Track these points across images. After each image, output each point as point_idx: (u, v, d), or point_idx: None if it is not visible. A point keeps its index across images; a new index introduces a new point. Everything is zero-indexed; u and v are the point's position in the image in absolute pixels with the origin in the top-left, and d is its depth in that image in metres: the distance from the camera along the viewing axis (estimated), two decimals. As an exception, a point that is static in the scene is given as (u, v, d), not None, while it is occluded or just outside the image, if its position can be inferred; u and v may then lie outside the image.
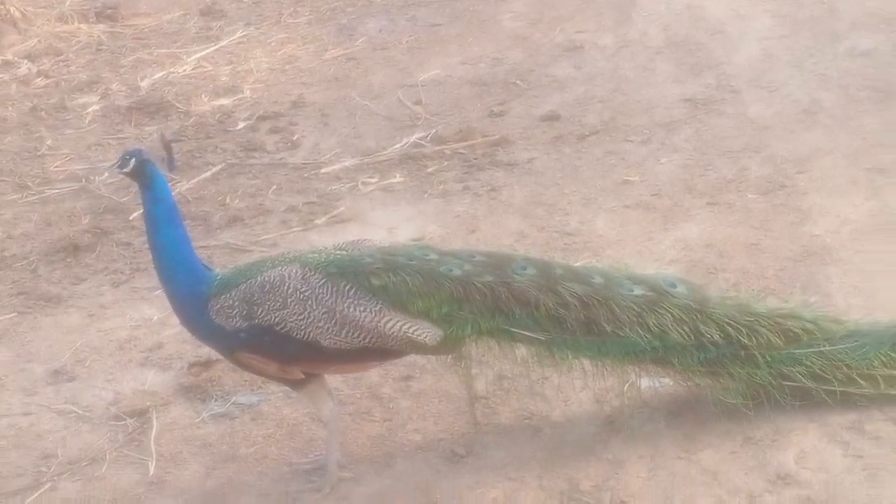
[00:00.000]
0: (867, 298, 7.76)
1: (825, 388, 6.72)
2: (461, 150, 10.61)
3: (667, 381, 6.93)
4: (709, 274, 8.25)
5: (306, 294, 6.47)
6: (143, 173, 6.61)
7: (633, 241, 8.86)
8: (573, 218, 9.27)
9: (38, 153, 11.45)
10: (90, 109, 12.30)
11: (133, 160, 6.62)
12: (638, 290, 6.74)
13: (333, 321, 6.48)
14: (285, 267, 6.56)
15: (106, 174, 10.70)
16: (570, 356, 6.70)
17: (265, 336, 6.53)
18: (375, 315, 6.49)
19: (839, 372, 6.73)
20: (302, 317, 6.47)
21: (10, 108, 12.46)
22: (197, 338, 7.03)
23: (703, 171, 9.73)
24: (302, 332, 6.49)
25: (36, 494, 7.00)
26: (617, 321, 6.64)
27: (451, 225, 9.42)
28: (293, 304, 6.47)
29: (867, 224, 8.66)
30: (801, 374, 6.73)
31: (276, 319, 6.49)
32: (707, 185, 9.49)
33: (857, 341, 6.82)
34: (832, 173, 9.41)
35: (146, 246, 9.24)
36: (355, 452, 7.02)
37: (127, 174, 6.68)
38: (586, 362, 6.74)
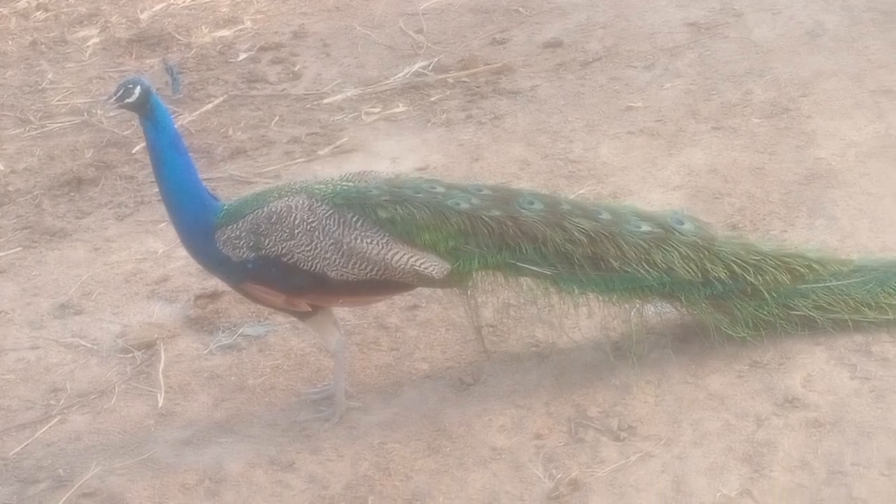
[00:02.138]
0: (873, 221, 7.78)
1: (832, 317, 6.78)
2: (464, 79, 10.57)
3: (671, 309, 6.95)
4: (714, 199, 8.26)
5: (313, 225, 6.47)
6: (146, 102, 6.56)
7: (637, 167, 8.85)
8: (577, 145, 9.25)
9: (40, 87, 11.41)
10: (90, 42, 12.24)
11: (138, 89, 6.55)
12: (645, 227, 6.74)
13: (340, 253, 6.48)
14: (292, 197, 6.55)
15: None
16: (576, 290, 6.72)
17: (272, 267, 6.53)
18: (382, 247, 6.49)
19: (846, 305, 6.77)
20: (309, 248, 6.47)
21: (10, 42, 12.40)
22: (204, 268, 7.05)
23: (707, 95, 9.70)
24: (309, 264, 6.49)
25: (46, 427, 7.03)
26: (624, 257, 6.65)
27: (454, 154, 9.40)
28: (300, 235, 6.47)
29: (872, 146, 8.65)
30: (806, 306, 6.78)
31: (283, 250, 6.49)
32: (711, 110, 9.47)
33: (863, 276, 6.86)
34: (836, 96, 9.39)
35: (150, 179, 9.32)
36: (363, 382, 7.05)
37: (131, 105, 6.60)
38: (592, 296, 6.76)
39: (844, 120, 9.02)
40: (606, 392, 6.71)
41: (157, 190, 9.02)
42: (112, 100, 6.62)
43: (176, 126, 6.75)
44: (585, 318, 7.01)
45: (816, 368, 6.62)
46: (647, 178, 8.67)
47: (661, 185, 8.56)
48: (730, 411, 6.46)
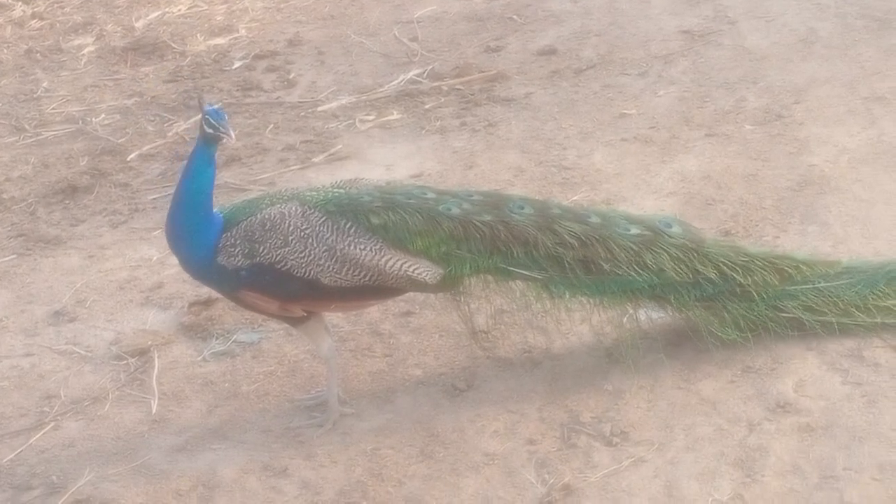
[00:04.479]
0: (865, 227, 7.79)
1: (821, 319, 6.80)
2: (458, 87, 10.59)
3: (663, 313, 6.97)
4: (707, 205, 8.27)
5: (307, 232, 6.48)
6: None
7: (630, 174, 8.86)
8: (571, 152, 9.27)
9: (35, 95, 11.42)
10: (85, 51, 12.26)
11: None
12: (634, 230, 6.77)
13: (334, 259, 6.49)
14: (285, 204, 6.55)
15: (102, 115, 10.74)
16: (567, 294, 6.74)
17: (266, 275, 6.53)
18: (375, 253, 6.50)
19: (834, 306, 6.80)
20: (303, 255, 6.48)
21: (5, 51, 12.42)
22: (197, 279, 6.96)
23: (701, 102, 9.72)
24: (303, 271, 6.50)
25: (40, 434, 7.04)
26: (615, 260, 6.68)
27: (448, 161, 9.42)
28: (294, 242, 6.47)
29: (865, 153, 8.67)
30: (795, 307, 6.80)
31: (278, 258, 6.49)
32: (704, 117, 9.48)
33: (851, 278, 6.89)
34: (830, 103, 9.41)
35: (144, 187, 9.37)
36: (356, 388, 7.06)
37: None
38: (584, 300, 6.78)
39: (837, 127, 9.04)
40: (599, 397, 6.72)
41: (151, 197, 9.15)
42: (231, 132, 6.49)
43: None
44: (578, 324, 7.03)
45: (808, 373, 6.63)
46: (640, 185, 8.69)
47: (654, 191, 8.57)
48: (722, 416, 6.47)
